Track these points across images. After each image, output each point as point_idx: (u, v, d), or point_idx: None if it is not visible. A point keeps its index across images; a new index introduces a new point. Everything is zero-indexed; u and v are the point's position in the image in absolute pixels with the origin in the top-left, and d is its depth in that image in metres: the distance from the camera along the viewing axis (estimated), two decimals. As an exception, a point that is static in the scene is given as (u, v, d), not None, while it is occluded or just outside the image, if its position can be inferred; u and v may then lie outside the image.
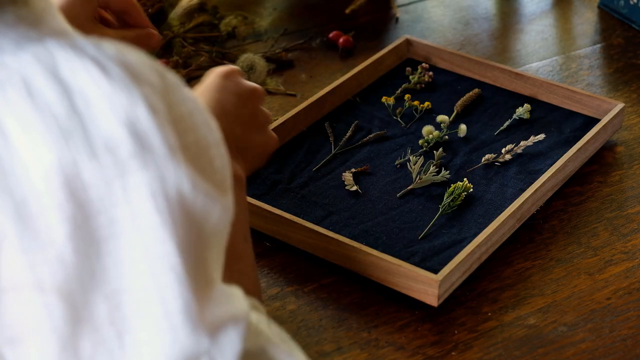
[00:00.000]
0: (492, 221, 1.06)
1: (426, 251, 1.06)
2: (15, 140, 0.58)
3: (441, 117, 1.26)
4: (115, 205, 0.59)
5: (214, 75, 0.94)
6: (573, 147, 1.17)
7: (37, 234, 0.58)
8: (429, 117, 1.28)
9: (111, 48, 0.61)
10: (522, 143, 1.20)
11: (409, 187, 1.15)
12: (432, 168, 1.16)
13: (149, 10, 1.50)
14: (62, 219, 0.58)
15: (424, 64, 1.35)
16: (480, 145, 1.23)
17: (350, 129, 1.25)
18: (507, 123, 1.26)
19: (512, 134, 1.25)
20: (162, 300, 0.60)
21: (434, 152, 1.20)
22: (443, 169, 1.17)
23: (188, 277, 0.61)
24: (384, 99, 1.29)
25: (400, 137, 1.24)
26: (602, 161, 1.22)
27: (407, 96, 1.29)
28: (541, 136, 1.21)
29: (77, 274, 0.59)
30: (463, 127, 1.24)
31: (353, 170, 1.18)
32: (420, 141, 1.22)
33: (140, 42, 1.05)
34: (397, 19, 1.55)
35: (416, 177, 1.16)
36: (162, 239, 0.60)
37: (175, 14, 1.44)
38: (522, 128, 1.26)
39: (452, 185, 1.12)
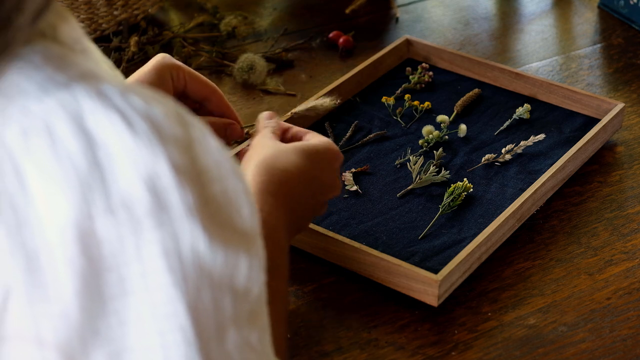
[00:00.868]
0: (492, 221, 1.06)
1: (426, 251, 1.06)
2: (33, 189, 0.56)
3: (441, 117, 1.26)
4: (127, 263, 0.57)
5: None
6: (573, 147, 1.17)
7: (45, 288, 0.56)
8: (429, 117, 1.28)
9: (138, 99, 0.59)
10: (522, 143, 1.20)
11: (409, 187, 1.15)
12: (432, 168, 1.16)
13: (149, 10, 1.50)
14: (72, 275, 0.56)
15: (424, 64, 1.35)
16: (480, 145, 1.23)
17: (350, 129, 1.25)
18: (507, 123, 1.26)
19: (512, 134, 1.25)
20: (165, 358, 0.58)
21: (434, 152, 1.20)
22: (443, 169, 1.17)
23: (197, 339, 0.59)
24: (384, 99, 1.29)
25: (400, 137, 1.24)
26: (602, 161, 1.22)
27: (407, 96, 1.29)
28: (541, 136, 1.21)
29: (80, 332, 0.57)
30: (463, 127, 1.24)
31: (353, 170, 1.18)
32: (420, 141, 1.22)
33: (219, 132, 1.03)
34: (397, 19, 1.55)
35: (416, 177, 1.16)
36: (172, 299, 0.58)
37: None
38: (522, 128, 1.26)
39: (452, 185, 1.12)
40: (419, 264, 1.03)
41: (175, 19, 1.54)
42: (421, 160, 1.18)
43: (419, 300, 1.00)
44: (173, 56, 1.40)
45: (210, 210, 0.59)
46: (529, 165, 1.19)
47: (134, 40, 1.43)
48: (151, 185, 0.57)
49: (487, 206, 1.12)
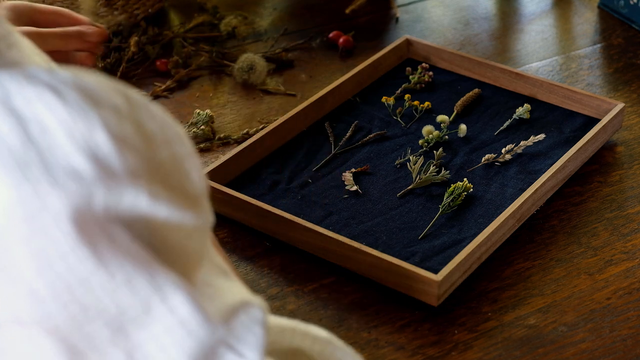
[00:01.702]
0: (492, 221, 1.06)
1: (426, 251, 1.06)
2: None
3: (441, 117, 1.26)
4: (93, 233, 0.57)
5: None
6: (573, 147, 1.17)
7: (6, 270, 0.56)
8: (429, 117, 1.28)
9: (67, 73, 0.58)
10: (522, 143, 1.20)
11: (409, 187, 1.15)
12: (432, 168, 1.16)
13: (149, 10, 1.50)
14: (29, 254, 0.56)
15: (424, 64, 1.35)
16: (480, 145, 1.23)
17: (350, 129, 1.25)
18: (507, 123, 1.26)
19: (512, 134, 1.25)
20: (163, 298, 0.59)
21: (434, 152, 1.20)
22: (443, 169, 1.17)
23: (178, 275, 0.60)
24: (384, 99, 1.29)
25: (400, 137, 1.24)
26: (602, 161, 1.22)
27: (407, 96, 1.29)
28: (541, 136, 1.21)
29: (61, 310, 0.57)
30: (463, 127, 1.24)
31: (353, 170, 1.18)
32: (420, 141, 1.22)
33: (84, 40, 1.05)
34: (397, 19, 1.55)
35: (416, 177, 1.16)
36: (138, 254, 0.58)
37: None
38: (522, 128, 1.26)
39: (452, 185, 1.12)
40: (419, 264, 1.03)
41: (175, 19, 1.54)
42: (421, 160, 1.18)
43: (419, 300, 1.00)
44: (173, 56, 1.41)
45: (161, 175, 0.60)
46: (529, 165, 1.19)
47: (134, 40, 1.43)
48: (91, 154, 0.57)
49: (487, 206, 1.12)
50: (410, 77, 1.34)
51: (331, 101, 1.28)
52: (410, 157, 1.19)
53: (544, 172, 1.14)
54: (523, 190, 1.13)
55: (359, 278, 1.04)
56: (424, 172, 1.16)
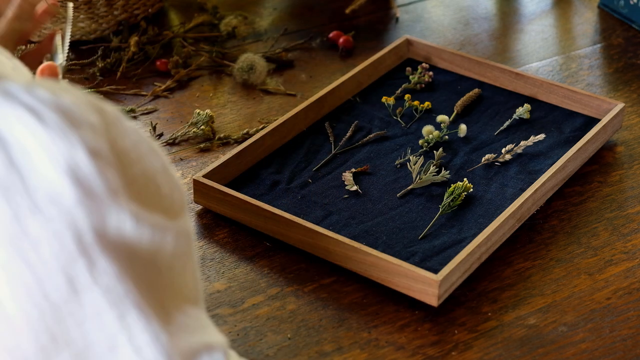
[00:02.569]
0: (492, 221, 1.06)
1: (426, 251, 1.06)
2: None
3: (441, 117, 1.26)
4: (72, 260, 0.56)
5: None
6: (573, 147, 1.17)
7: None
8: (429, 117, 1.28)
9: (45, 92, 0.58)
10: (522, 143, 1.20)
11: (409, 187, 1.15)
12: (432, 168, 1.16)
13: (149, 10, 1.50)
14: (8, 282, 0.55)
15: (424, 64, 1.35)
16: (480, 145, 1.23)
17: (350, 129, 1.25)
18: (507, 123, 1.26)
19: (512, 134, 1.25)
20: (130, 338, 0.58)
21: (434, 152, 1.20)
22: (443, 169, 1.17)
23: (151, 311, 0.59)
24: (384, 99, 1.29)
25: (400, 137, 1.24)
26: (602, 161, 1.22)
27: (407, 96, 1.29)
28: (541, 136, 1.21)
29: (32, 338, 0.56)
30: (463, 127, 1.24)
31: (353, 170, 1.18)
32: (420, 141, 1.22)
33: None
34: (397, 19, 1.55)
35: (416, 177, 1.16)
36: (119, 279, 0.58)
37: None
38: (522, 128, 1.26)
39: (452, 185, 1.12)
40: (419, 264, 1.03)
41: (175, 19, 1.54)
42: (421, 160, 1.18)
43: (419, 300, 1.00)
44: (173, 56, 1.41)
45: (134, 190, 0.59)
46: (529, 165, 1.19)
47: (134, 40, 1.43)
48: (73, 175, 0.56)
49: (487, 206, 1.12)
50: (410, 77, 1.34)
51: (331, 101, 1.28)
52: (410, 157, 1.19)
53: (544, 172, 1.14)
54: (523, 190, 1.13)
55: (359, 278, 1.04)
56: (424, 172, 1.16)
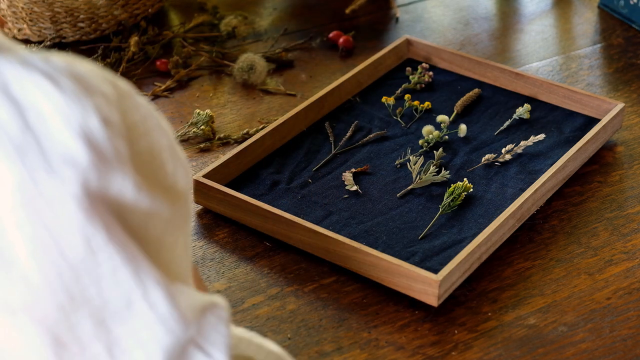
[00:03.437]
0: (492, 221, 1.06)
1: (426, 251, 1.06)
2: None
3: (441, 117, 1.26)
4: (86, 219, 0.58)
5: None
6: (573, 147, 1.17)
7: (1, 256, 0.57)
8: (429, 117, 1.28)
9: (60, 60, 0.60)
10: (522, 143, 1.20)
11: (409, 187, 1.15)
12: (432, 168, 1.16)
13: (149, 10, 1.50)
14: (22, 239, 0.57)
15: (424, 64, 1.35)
16: (480, 145, 1.23)
17: (350, 129, 1.25)
18: (507, 123, 1.26)
19: (512, 134, 1.25)
20: (144, 294, 0.60)
21: (434, 152, 1.20)
22: (443, 169, 1.17)
23: (157, 271, 0.61)
24: (384, 99, 1.29)
25: (400, 137, 1.24)
26: (602, 161, 1.22)
27: (407, 96, 1.29)
28: (541, 136, 1.21)
29: (50, 297, 0.58)
30: (463, 127, 1.24)
31: (353, 170, 1.18)
32: (420, 141, 1.22)
33: None
34: (397, 19, 1.55)
35: (416, 177, 1.16)
36: (123, 244, 0.59)
37: None
38: (522, 128, 1.26)
39: (452, 185, 1.12)
40: (419, 264, 1.03)
41: (175, 19, 1.54)
42: (421, 160, 1.18)
43: (419, 300, 1.00)
44: (173, 56, 1.41)
45: (139, 164, 0.61)
46: (529, 165, 1.19)
47: (134, 40, 1.43)
48: (86, 139, 0.58)
49: (487, 206, 1.12)
50: (410, 77, 1.34)
51: (331, 101, 1.28)
52: (410, 157, 1.19)
53: (544, 172, 1.14)
54: (523, 190, 1.13)
55: (359, 278, 1.04)
56: (424, 172, 1.16)
